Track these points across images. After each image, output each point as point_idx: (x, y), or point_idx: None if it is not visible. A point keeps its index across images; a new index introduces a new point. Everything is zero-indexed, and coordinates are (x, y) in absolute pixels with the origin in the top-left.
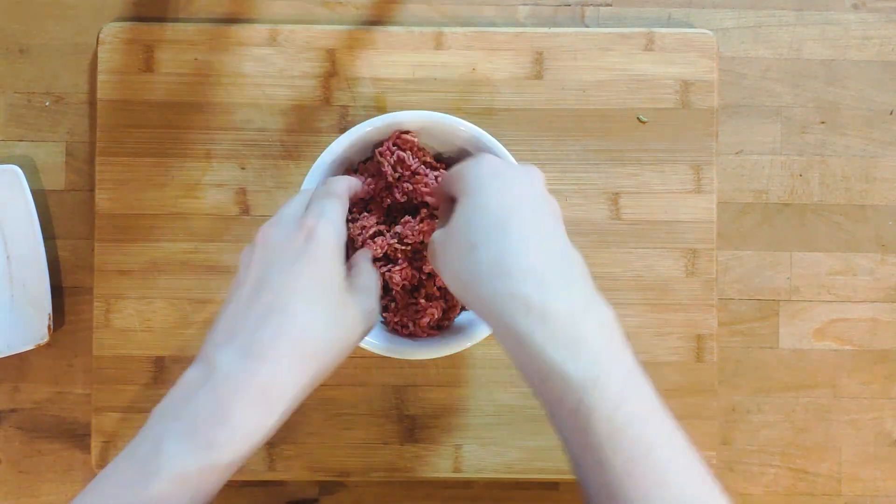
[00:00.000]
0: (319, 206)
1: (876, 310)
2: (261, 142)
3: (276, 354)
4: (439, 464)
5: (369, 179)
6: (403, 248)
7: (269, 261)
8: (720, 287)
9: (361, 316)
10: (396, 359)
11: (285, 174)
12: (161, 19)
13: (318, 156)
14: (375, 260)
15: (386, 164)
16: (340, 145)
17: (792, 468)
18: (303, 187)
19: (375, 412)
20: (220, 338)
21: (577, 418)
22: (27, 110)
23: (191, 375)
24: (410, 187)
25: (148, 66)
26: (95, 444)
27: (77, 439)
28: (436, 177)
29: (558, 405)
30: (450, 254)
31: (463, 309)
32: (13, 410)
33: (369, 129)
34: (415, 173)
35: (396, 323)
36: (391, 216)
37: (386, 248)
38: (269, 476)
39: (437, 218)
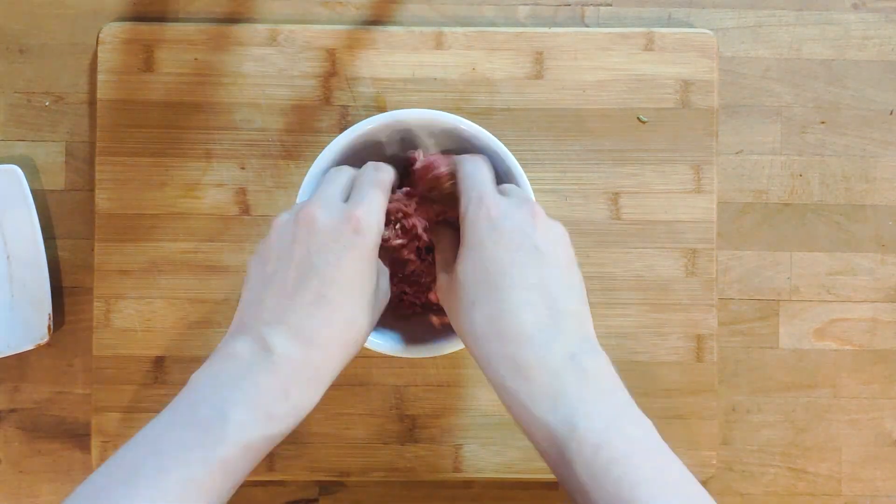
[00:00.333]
0: (368, 197)
1: (876, 310)
2: (261, 142)
3: (325, 341)
4: (439, 464)
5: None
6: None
7: (316, 246)
8: (720, 287)
9: (379, 298)
10: (396, 359)
11: (285, 174)
12: (161, 19)
13: (318, 155)
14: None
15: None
16: (339, 144)
17: (792, 468)
18: (301, 187)
19: (375, 412)
20: (269, 317)
21: (563, 467)
22: (27, 110)
23: (241, 349)
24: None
25: (148, 65)
26: (95, 444)
27: (77, 439)
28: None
29: (548, 456)
30: (453, 306)
31: None
32: (13, 410)
33: (370, 126)
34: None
35: (411, 295)
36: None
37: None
38: (269, 476)
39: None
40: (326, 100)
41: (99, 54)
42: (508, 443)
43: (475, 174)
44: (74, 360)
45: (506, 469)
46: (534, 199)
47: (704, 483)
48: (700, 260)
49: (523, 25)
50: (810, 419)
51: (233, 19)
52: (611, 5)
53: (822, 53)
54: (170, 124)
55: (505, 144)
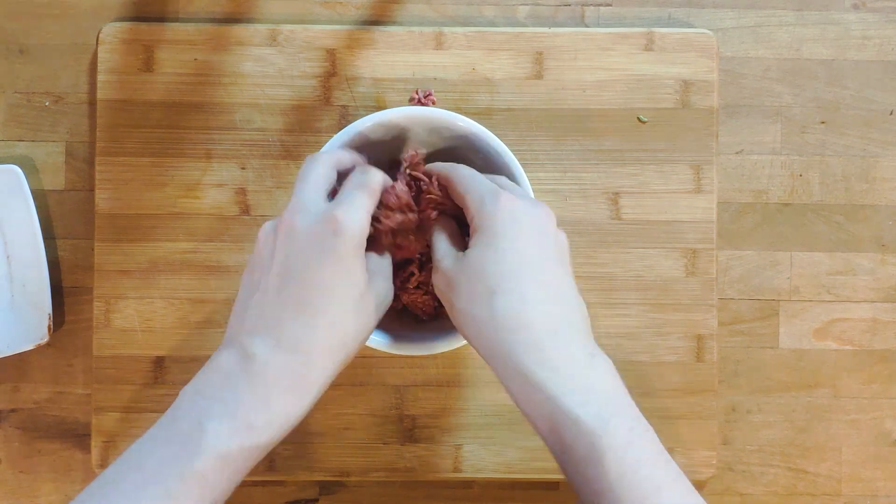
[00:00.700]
0: (350, 197)
1: (876, 310)
2: (261, 142)
3: (308, 347)
4: (439, 464)
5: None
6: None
7: (296, 251)
8: (720, 287)
9: (377, 300)
10: (396, 359)
11: (285, 174)
12: (161, 19)
13: None
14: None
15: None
16: (337, 143)
17: (792, 468)
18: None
19: (375, 412)
20: (251, 326)
21: (588, 462)
22: (27, 110)
23: (225, 360)
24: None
25: (148, 66)
26: (95, 444)
27: (77, 439)
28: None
29: (570, 450)
30: (464, 293)
31: None
32: (13, 410)
33: (369, 125)
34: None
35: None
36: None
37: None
38: (269, 476)
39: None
40: (326, 100)
41: (99, 54)
42: (508, 443)
43: (475, 175)
44: (74, 360)
45: (506, 469)
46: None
47: (705, 483)
48: (700, 260)
49: (523, 25)
50: (810, 419)
51: (233, 19)
52: (611, 5)
53: (822, 53)
54: (170, 124)
55: (505, 144)
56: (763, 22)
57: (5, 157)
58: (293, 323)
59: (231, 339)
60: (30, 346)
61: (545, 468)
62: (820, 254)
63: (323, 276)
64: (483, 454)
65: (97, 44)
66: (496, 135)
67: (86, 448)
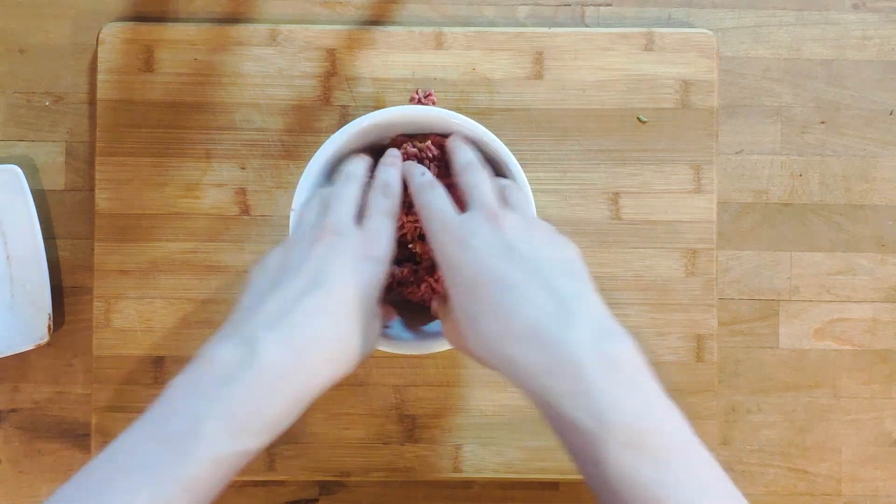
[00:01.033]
0: (379, 226)
1: (876, 310)
2: (261, 142)
3: (317, 355)
4: (439, 464)
5: None
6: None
7: (329, 265)
8: (720, 287)
9: (380, 323)
10: (396, 359)
11: (285, 174)
12: (161, 19)
13: (314, 156)
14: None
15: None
16: (336, 143)
17: (792, 468)
18: (297, 189)
19: (375, 412)
20: (266, 320)
21: (595, 467)
22: (27, 110)
23: (224, 353)
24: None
25: (148, 66)
26: (95, 444)
27: (77, 439)
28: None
29: (580, 457)
30: (456, 330)
31: None
32: (13, 410)
33: (368, 124)
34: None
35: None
36: None
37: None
38: (269, 476)
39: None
40: (326, 100)
41: (99, 54)
42: (508, 443)
43: (432, 203)
44: (74, 360)
45: (506, 469)
46: (532, 201)
47: None
48: (700, 260)
49: (523, 25)
50: (810, 419)
51: (233, 19)
52: (611, 5)
53: (822, 53)
54: (170, 124)
55: (505, 144)
56: (763, 22)
57: (5, 157)
58: (309, 326)
59: (235, 332)
60: (30, 346)
61: (545, 468)
62: (820, 254)
63: (348, 293)
64: (483, 454)
65: (97, 44)
66: (496, 135)
67: (86, 448)
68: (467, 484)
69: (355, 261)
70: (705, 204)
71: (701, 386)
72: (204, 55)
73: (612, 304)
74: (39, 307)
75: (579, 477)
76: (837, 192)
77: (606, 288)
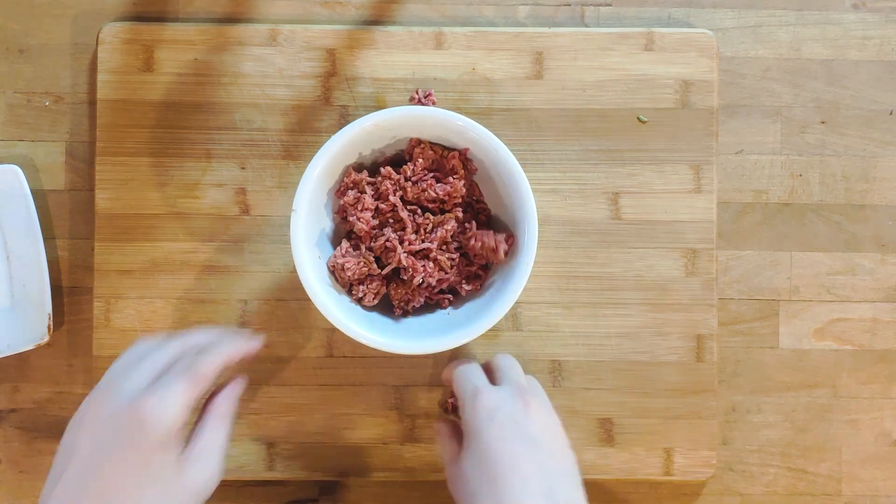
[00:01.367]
0: (166, 387)
1: (876, 310)
2: (261, 142)
3: None
4: (439, 464)
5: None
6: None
7: (98, 443)
8: (720, 287)
9: (193, 488)
10: (396, 359)
11: (285, 174)
12: (161, 19)
13: (314, 156)
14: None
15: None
16: (336, 143)
17: (792, 468)
18: (298, 191)
19: (375, 412)
20: None
21: None
22: (27, 110)
23: None
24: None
25: (148, 66)
26: None
27: None
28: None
29: None
30: (459, 493)
31: (475, 283)
32: (13, 410)
33: (368, 125)
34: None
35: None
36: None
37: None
38: (269, 476)
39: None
40: (326, 100)
41: (99, 54)
42: None
43: (468, 372)
44: (74, 360)
45: None
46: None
47: (704, 483)
48: (700, 260)
49: (523, 25)
50: (810, 419)
51: (233, 19)
52: (611, 5)
53: (822, 53)
54: (170, 124)
55: (505, 144)
56: (763, 22)
57: (5, 157)
58: None
59: None
60: (30, 346)
61: None
62: (820, 254)
63: (124, 472)
64: None
65: (97, 44)
66: (496, 135)
67: None
68: None
69: (124, 431)
70: (705, 204)
71: (701, 386)
72: (204, 55)
73: (613, 304)
74: (39, 307)
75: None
76: (837, 192)
77: (606, 288)
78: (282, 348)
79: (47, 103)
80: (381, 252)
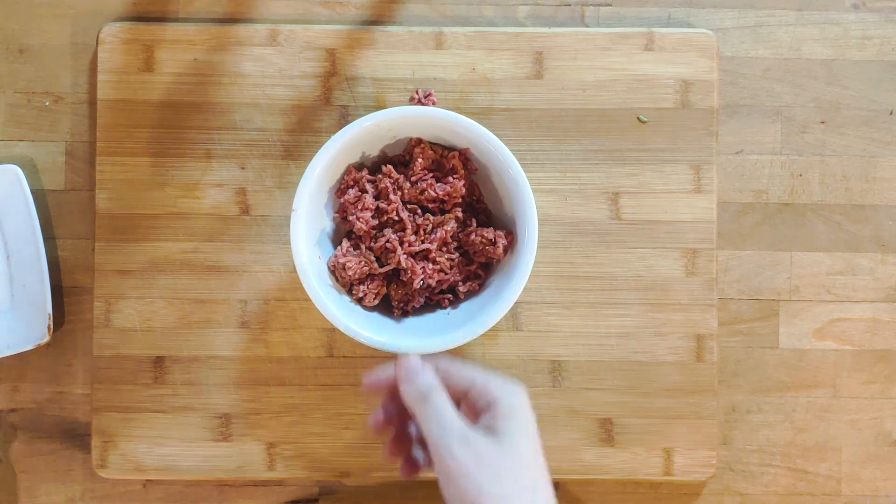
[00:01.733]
0: None
1: (876, 310)
2: (261, 142)
3: None
4: None
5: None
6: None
7: None
8: (720, 287)
9: None
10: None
11: (285, 174)
12: (161, 19)
13: (314, 156)
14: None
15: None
16: (336, 143)
17: (792, 468)
18: (298, 191)
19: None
20: None
21: None
22: (27, 110)
23: None
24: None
25: (148, 66)
26: (95, 444)
27: (77, 439)
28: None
29: None
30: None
31: (472, 283)
32: (13, 410)
33: (368, 124)
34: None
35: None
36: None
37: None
38: (269, 476)
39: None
40: (326, 100)
41: (99, 54)
42: None
43: (430, 418)
44: (74, 360)
45: None
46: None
47: (704, 483)
48: (700, 260)
49: (523, 25)
50: (810, 419)
51: (233, 19)
52: (611, 5)
53: (822, 53)
54: (170, 124)
55: (505, 144)
56: (763, 22)
57: (5, 157)
58: None
59: None
60: (30, 346)
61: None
62: (820, 254)
63: None
64: None
65: (97, 44)
66: (496, 135)
67: (86, 448)
68: None
69: None
70: (705, 204)
71: (701, 386)
72: (204, 55)
73: (613, 304)
74: (39, 307)
75: (580, 477)
76: (837, 192)
77: (606, 288)
78: (282, 348)
79: (47, 103)
80: (381, 253)
